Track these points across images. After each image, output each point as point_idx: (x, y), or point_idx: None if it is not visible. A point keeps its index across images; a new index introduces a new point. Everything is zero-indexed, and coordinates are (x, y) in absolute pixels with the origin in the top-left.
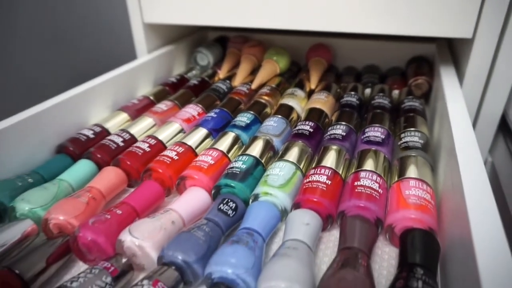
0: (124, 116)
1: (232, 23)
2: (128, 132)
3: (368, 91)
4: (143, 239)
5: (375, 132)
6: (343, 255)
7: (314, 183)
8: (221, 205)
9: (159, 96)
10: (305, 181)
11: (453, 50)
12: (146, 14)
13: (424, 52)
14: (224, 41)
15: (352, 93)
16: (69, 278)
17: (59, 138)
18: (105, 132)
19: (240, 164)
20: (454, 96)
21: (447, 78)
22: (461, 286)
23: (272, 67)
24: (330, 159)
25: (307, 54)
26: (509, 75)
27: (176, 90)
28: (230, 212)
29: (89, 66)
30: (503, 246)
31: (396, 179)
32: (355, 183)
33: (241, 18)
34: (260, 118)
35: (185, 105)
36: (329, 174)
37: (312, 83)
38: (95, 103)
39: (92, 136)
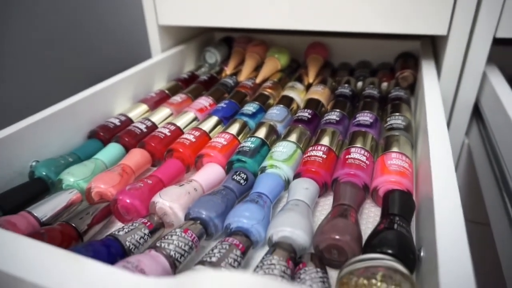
0: (144, 107)
1: (237, 24)
2: (150, 120)
3: (360, 84)
4: (172, 201)
5: (365, 117)
6: (336, 209)
7: (312, 157)
8: (235, 175)
9: (173, 90)
10: (304, 156)
11: (435, 46)
12: (161, 17)
13: (411, 49)
14: (230, 41)
15: (346, 85)
16: (115, 229)
17: (90, 125)
18: (129, 121)
19: (249, 144)
20: (431, 86)
21: (427, 71)
22: (426, 233)
23: (274, 63)
24: (326, 139)
25: (305, 51)
26: (479, 68)
27: (188, 85)
28: (242, 181)
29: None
30: (456, 202)
31: (380, 153)
32: (347, 156)
33: (246, 19)
34: (264, 107)
35: (197, 97)
36: (324, 150)
37: (310, 77)
38: (119, 96)
39: (118, 123)
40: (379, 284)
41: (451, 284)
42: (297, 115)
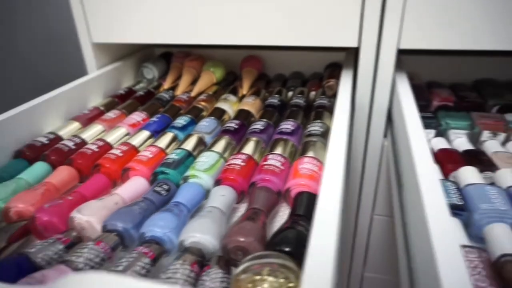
0: (76, 124)
1: (171, 41)
2: (79, 137)
3: (290, 93)
4: (89, 215)
5: (287, 125)
6: (246, 213)
7: (232, 165)
8: (156, 187)
9: (109, 107)
10: (226, 164)
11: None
12: (94, 34)
13: (339, 59)
14: (169, 56)
15: (276, 95)
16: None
17: (17, 145)
18: (58, 139)
19: (174, 156)
20: (343, 93)
21: (343, 79)
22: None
23: (209, 77)
24: (248, 148)
25: (240, 65)
26: (388, 76)
27: (125, 101)
28: (163, 192)
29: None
30: (337, 195)
31: (296, 159)
32: (263, 163)
33: (181, 36)
34: (196, 120)
35: (132, 113)
36: (244, 158)
37: (244, 89)
38: (50, 114)
39: (46, 142)
40: (265, 277)
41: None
42: (225, 125)
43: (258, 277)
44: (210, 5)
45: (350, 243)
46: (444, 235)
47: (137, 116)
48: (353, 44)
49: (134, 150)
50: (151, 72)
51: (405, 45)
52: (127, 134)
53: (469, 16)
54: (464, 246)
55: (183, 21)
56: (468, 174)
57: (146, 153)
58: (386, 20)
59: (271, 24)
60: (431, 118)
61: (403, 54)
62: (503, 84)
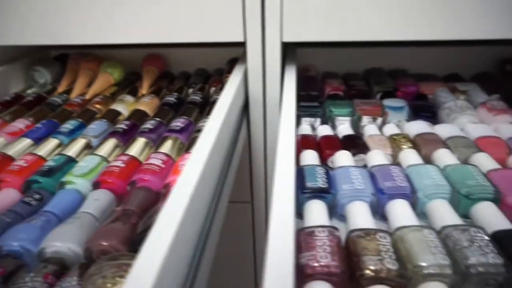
0: None
1: (66, 41)
2: None
3: (191, 90)
4: None
5: (177, 122)
6: (117, 214)
7: (112, 168)
8: (26, 197)
9: None
10: (105, 167)
11: None
12: None
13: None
14: (65, 58)
15: (175, 93)
16: None
17: None
18: None
19: (50, 163)
20: (231, 87)
21: (235, 73)
22: None
23: (106, 78)
24: (134, 148)
25: (141, 64)
26: (276, 70)
27: (10, 108)
28: (33, 202)
29: None
30: (188, 191)
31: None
32: (144, 162)
33: (76, 36)
34: (87, 123)
35: (15, 120)
36: (125, 160)
37: (144, 89)
38: None
39: None
40: (113, 280)
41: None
42: (113, 127)
43: (103, 280)
44: (105, 3)
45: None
46: (280, 218)
47: (20, 124)
48: (239, 39)
49: (9, 159)
50: (43, 76)
51: (288, 38)
52: (6, 144)
53: (349, 8)
54: (317, 227)
55: (77, 20)
56: (341, 158)
57: (20, 163)
58: (267, 14)
59: (160, 21)
60: (318, 107)
61: (300, 47)
62: (388, 72)
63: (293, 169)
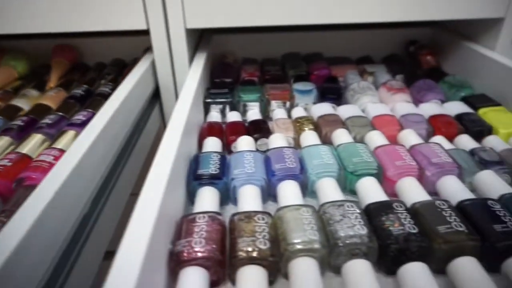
0: None
1: None
2: None
3: (103, 81)
4: None
5: (79, 116)
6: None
7: None
8: None
9: None
10: None
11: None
12: None
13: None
14: None
15: (84, 86)
16: None
17: None
18: None
19: None
20: (132, 77)
21: (141, 63)
22: None
23: (8, 72)
24: (29, 145)
25: (51, 55)
26: (184, 57)
27: None
28: None
29: None
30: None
31: None
32: (35, 159)
33: None
34: None
35: None
36: (14, 158)
37: (52, 82)
38: None
39: None
40: None
41: None
42: (8, 124)
43: None
44: None
45: None
46: (144, 206)
47: None
48: (142, 26)
49: None
50: None
51: (191, 25)
52: None
53: None
54: (198, 213)
55: None
56: (242, 143)
57: None
58: (168, 1)
59: (62, 9)
60: (227, 94)
61: (216, 34)
62: (304, 56)
63: (171, 158)
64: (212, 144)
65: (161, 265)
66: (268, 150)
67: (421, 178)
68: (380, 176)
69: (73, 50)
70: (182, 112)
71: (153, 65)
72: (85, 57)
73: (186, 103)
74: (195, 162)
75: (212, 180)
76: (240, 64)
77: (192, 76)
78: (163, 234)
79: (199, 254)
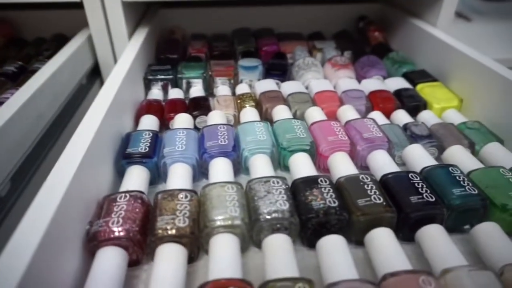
0: None
1: None
2: None
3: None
4: None
5: (7, 94)
6: None
7: None
8: None
9: None
10: None
11: None
12: None
13: None
14: None
15: (17, 62)
16: None
17: None
18: None
19: None
20: (64, 52)
21: (76, 38)
22: None
23: None
24: None
25: None
26: (123, 33)
27: None
28: None
29: None
30: None
31: None
32: None
33: None
34: None
35: None
36: None
37: None
38: None
39: None
40: None
41: None
42: None
43: None
44: None
45: None
46: (51, 185)
47: None
48: None
49: None
50: None
51: None
52: None
53: None
54: (120, 193)
55: None
56: (179, 120)
57: None
58: None
59: None
60: (169, 70)
61: (164, 8)
62: (255, 32)
63: (90, 137)
64: (148, 122)
65: (75, 246)
66: (204, 127)
67: (353, 153)
68: (314, 151)
69: (8, 24)
70: (110, 89)
71: (90, 40)
72: (26, 32)
73: (116, 80)
74: (126, 140)
75: (142, 158)
76: (188, 39)
77: (128, 52)
78: (75, 214)
79: (116, 234)
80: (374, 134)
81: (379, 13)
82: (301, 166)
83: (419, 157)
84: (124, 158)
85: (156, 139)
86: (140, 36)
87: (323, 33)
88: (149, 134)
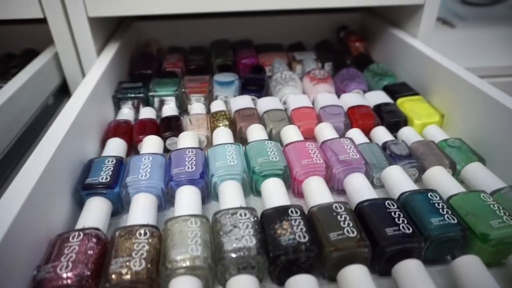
0: None
1: None
2: None
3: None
4: None
5: None
6: None
7: None
8: None
9: None
10: None
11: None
12: None
13: None
14: None
15: None
16: None
17: None
18: None
19: None
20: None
21: (42, 55)
22: None
23: None
24: None
25: None
26: (91, 49)
27: None
28: None
29: None
30: None
31: None
32: None
33: None
34: None
35: None
36: None
37: None
38: None
39: None
40: None
41: None
42: None
43: None
44: None
45: None
46: None
47: None
48: (38, 15)
49: None
50: None
51: (94, 13)
52: None
53: None
54: (73, 231)
55: None
56: (147, 144)
57: None
58: None
59: None
60: (141, 88)
61: (139, 21)
62: (234, 44)
63: (41, 168)
64: (114, 146)
65: None
66: (172, 151)
67: (329, 175)
68: (288, 175)
69: None
70: (72, 111)
71: (57, 57)
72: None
73: (80, 100)
74: (87, 168)
75: (102, 189)
76: (164, 53)
77: (95, 69)
78: (22, 257)
79: (65, 281)
80: (350, 156)
81: (359, 22)
82: (273, 193)
83: (398, 180)
84: (83, 189)
85: (120, 166)
86: (111, 51)
87: (304, 43)
88: (112, 161)
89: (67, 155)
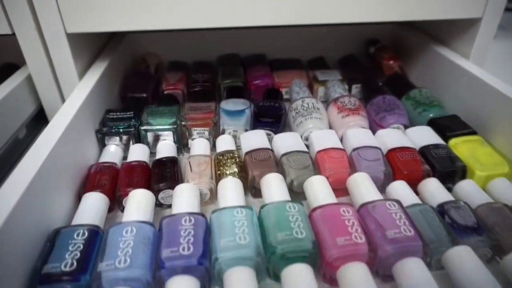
0: None
1: None
2: None
3: None
4: None
5: None
6: None
7: None
8: None
9: None
10: None
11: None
12: None
13: None
14: None
15: None
16: None
17: None
18: None
19: None
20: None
21: (11, 79)
22: None
23: None
24: None
25: None
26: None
27: None
28: None
29: None
30: None
31: None
32: None
33: None
34: None
35: None
36: None
37: None
38: None
39: None
40: None
41: None
42: None
43: None
44: None
45: None
46: None
47: None
48: (5, 31)
49: None
50: None
51: (73, 29)
52: None
53: None
54: None
55: None
56: (133, 202)
57: None
58: (36, 4)
59: None
60: (132, 118)
61: (133, 32)
62: (244, 59)
63: None
64: (90, 206)
65: None
66: (164, 218)
67: (373, 257)
68: (317, 256)
69: None
70: (38, 154)
71: (30, 80)
72: None
73: (49, 139)
74: (51, 244)
75: (65, 283)
76: (163, 70)
77: (74, 97)
78: None
79: None
80: (402, 231)
81: (390, 36)
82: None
83: (468, 267)
84: (40, 282)
85: (94, 242)
86: (97, 71)
87: (326, 58)
88: (83, 234)
89: (26, 220)
